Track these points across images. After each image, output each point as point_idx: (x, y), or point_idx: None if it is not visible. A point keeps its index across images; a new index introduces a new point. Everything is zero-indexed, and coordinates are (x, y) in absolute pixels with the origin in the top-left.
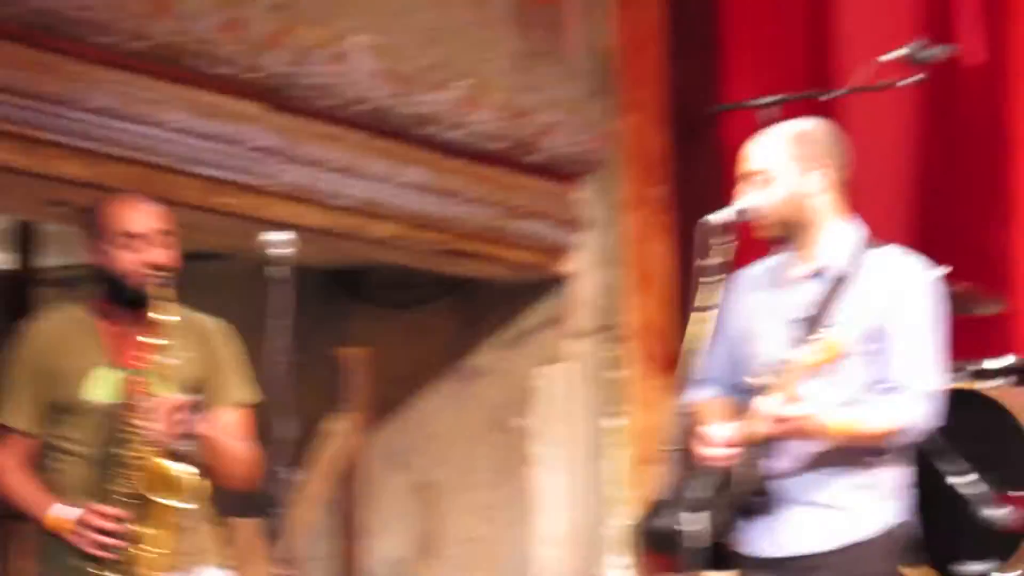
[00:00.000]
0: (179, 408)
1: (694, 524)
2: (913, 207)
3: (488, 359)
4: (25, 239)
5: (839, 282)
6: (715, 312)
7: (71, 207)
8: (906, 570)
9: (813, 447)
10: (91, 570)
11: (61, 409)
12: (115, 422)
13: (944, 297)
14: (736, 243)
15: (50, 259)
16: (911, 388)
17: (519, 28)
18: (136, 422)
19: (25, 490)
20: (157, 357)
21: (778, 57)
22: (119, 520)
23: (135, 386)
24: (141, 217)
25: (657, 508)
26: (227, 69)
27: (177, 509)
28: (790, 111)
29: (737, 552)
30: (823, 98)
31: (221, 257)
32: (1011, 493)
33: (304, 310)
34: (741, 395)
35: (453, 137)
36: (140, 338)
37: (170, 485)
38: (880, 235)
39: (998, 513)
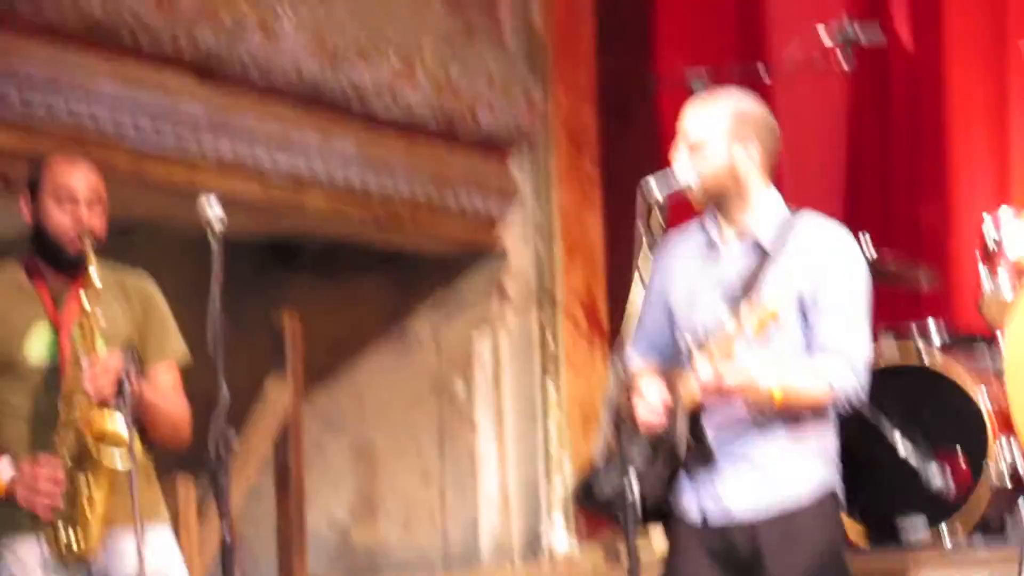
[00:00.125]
0: (113, 365)
1: (630, 487)
2: (848, 180)
3: (424, 327)
4: None
5: (768, 250)
6: (649, 277)
7: (1, 178)
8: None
9: (747, 410)
10: (32, 527)
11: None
12: (53, 381)
13: (869, 265)
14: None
15: None
16: (842, 354)
17: (452, 4)
18: (73, 380)
19: None
20: (91, 315)
21: (710, 32)
22: (58, 477)
23: (71, 344)
24: (80, 177)
25: (594, 472)
26: (159, 42)
27: (116, 467)
28: (723, 85)
29: (673, 514)
30: (761, 74)
31: (153, 228)
32: (948, 455)
33: (239, 279)
34: (675, 359)
35: (385, 111)
36: (75, 297)
37: (108, 442)
38: (815, 208)
39: (936, 474)
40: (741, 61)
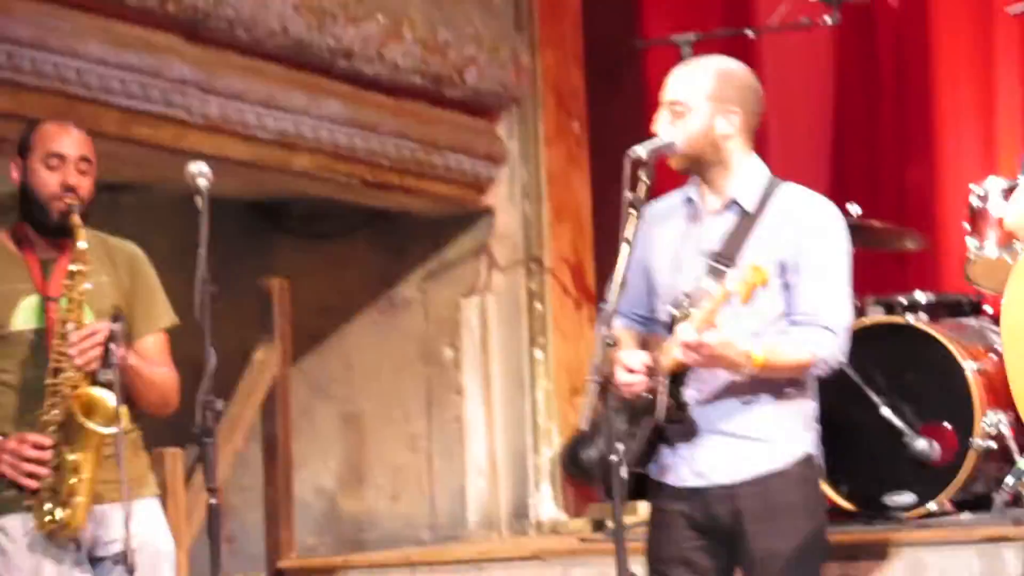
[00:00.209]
0: (101, 334)
1: (614, 454)
2: (834, 144)
3: (412, 290)
4: None
5: (750, 216)
6: (634, 243)
7: None
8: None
9: (729, 377)
10: (21, 503)
11: None
12: (41, 349)
13: (850, 232)
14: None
15: None
16: (823, 321)
17: None
18: (61, 349)
19: None
20: (79, 284)
21: None
22: (45, 448)
23: (59, 313)
24: (71, 143)
25: (578, 439)
26: (146, 1)
27: (104, 436)
28: (709, 48)
29: (656, 481)
30: (747, 34)
31: (140, 188)
32: (935, 425)
33: (226, 242)
34: (658, 325)
35: (373, 71)
36: (63, 265)
37: (96, 412)
38: (801, 172)
39: (923, 445)
40: (728, 24)
